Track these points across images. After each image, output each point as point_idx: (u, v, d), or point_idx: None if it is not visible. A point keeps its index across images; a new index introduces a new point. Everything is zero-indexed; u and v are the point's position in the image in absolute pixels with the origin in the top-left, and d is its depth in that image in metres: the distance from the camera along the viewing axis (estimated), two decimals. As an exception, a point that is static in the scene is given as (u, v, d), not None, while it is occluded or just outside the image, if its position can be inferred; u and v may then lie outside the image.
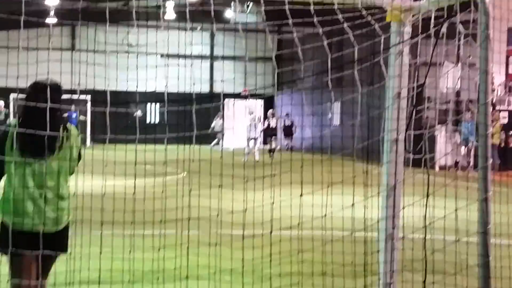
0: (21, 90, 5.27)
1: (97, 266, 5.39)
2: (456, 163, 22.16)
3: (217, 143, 28.26)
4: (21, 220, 4.56)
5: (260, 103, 36.07)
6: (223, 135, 27.70)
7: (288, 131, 31.80)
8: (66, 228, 4.76)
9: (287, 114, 31.82)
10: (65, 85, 4.99)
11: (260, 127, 27.59)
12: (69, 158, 4.75)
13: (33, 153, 4.58)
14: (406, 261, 5.97)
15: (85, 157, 5.03)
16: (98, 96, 5.23)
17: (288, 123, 31.78)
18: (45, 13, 27.88)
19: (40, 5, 25.10)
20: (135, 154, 5.63)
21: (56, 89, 4.76)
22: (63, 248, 4.76)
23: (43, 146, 4.56)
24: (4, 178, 4.70)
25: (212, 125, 28.96)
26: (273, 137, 29.50)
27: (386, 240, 5.43)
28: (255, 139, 26.75)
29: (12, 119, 4.79)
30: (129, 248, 6.02)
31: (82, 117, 28.69)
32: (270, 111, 30.78)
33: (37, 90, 4.70)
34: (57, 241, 4.67)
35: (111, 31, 5.14)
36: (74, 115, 24.71)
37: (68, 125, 4.85)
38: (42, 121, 4.52)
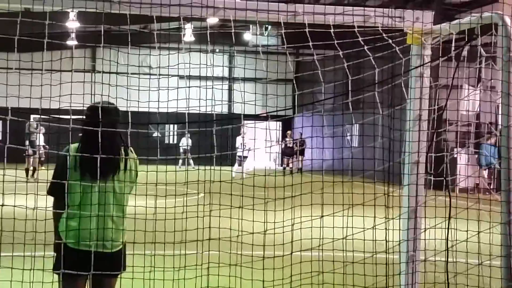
0: (43, 111, 5.34)
1: (118, 286, 5.40)
2: (477, 185, 21.99)
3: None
4: (82, 241, 4.61)
5: (278, 124, 36.18)
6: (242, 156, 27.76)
7: (300, 152, 31.96)
8: (123, 248, 4.82)
9: (289, 134, 32.07)
10: (86, 106, 5.06)
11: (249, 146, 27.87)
12: (129, 180, 4.82)
13: (94, 175, 4.64)
14: (428, 285, 5.92)
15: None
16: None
17: (290, 144, 31.98)
18: (66, 35, 28.22)
19: (62, 28, 25.41)
20: (156, 175, 5.66)
21: (115, 111, 4.83)
22: (120, 267, 4.82)
23: (104, 168, 4.62)
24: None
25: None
26: (291, 157, 29.85)
27: (407, 262, 5.40)
28: (244, 158, 26.97)
29: (75, 144, 4.86)
30: (149, 269, 6.03)
31: None
32: (288, 132, 31.12)
33: (96, 112, 4.75)
34: (116, 261, 4.73)
35: (131, 53, 5.21)
36: None
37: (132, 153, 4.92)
38: (102, 143, 4.59)
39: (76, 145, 4.80)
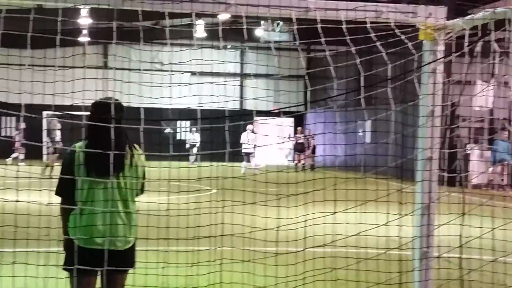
0: (56, 107, 5.37)
1: (131, 282, 5.42)
2: (490, 181, 21.89)
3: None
4: (91, 239, 4.63)
5: (290, 120, 36.17)
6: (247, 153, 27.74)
7: (302, 148, 31.88)
8: (133, 245, 4.83)
9: (300, 130, 32.02)
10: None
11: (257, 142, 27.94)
12: (136, 176, 4.81)
13: (100, 172, 4.64)
14: (441, 281, 5.90)
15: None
16: (129, 113, 5.30)
17: (301, 140, 31.89)
18: (78, 32, 28.32)
19: (74, 24, 25.49)
20: (168, 171, 5.67)
21: (119, 107, 4.83)
22: (131, 264, 4.83)
23: (110, 164, 4.62)
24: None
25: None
26: (302, 153, 29.93)
27: (420, 259, 5.38)
28: (249, 154, 27.03)
29: (81, 142, 4.86)
30: (163, 265, 6.05)
31: None
32: (298, 128, 31.16)
33: (100, 109, 4.75)
34: (125, 258, 4.74)
35: (143, 50, 5.21)
36: None
37: (135, 144, 4.91)
38: (107, 139, 4.58)
39: (81, 143, 4.80)
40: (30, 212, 5.22)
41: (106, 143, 4.58)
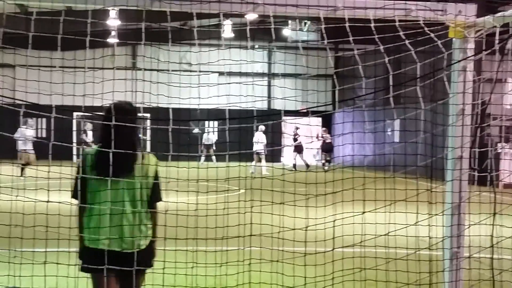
0: (86, 108, 5.42)
1: (160, 282, 5.45)
2: (520, 181, 21.59)
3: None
4: (100, 240, 4.70)
5: (318, 120, 36.07)
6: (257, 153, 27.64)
7: (329, 148, 31.59)
8: (148, 247, 4.85)
9: (324, 130, 31.73)
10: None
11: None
12: (145, 183, 4.83)
13: (108, 173, 4.69)
14: (472, 282, 5.84)
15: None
16: (157, 114, 5.34)
17: (328, 140, 31.56)
18: (107, 33, 28.57)
19: (103, 26, 25.73)
20: (198, 171, 5.69)
21: (132, 110, 4.88)
22: (145, 265, 4.84)
23: (119, 166, 4.68)
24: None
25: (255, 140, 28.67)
26: (329, 152, 29.85)
27: (451, 259, 5.33)
28: (259, 153, 27.14)
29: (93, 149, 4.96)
30: (192, 265, 6.07)
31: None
32: (324, 129, 31.07)
33: (114, 113, 4.79)
34: (139, 259, 4.76)
35: (171, 51, 5.24)
36: None
37: (148, 154, 4.94)
38: (116, 142, 4.64)
39: (94, 148, 4.88)
40: (61, 212, 5.28)
41: (115, 146, 4.65)
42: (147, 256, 4.86)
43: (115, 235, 4.71)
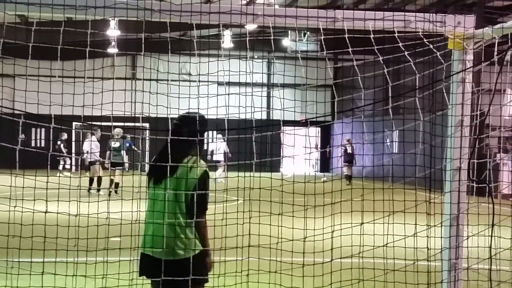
0: (85, 118, 5.42)
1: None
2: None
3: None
4: (146, 247, 4.95)
5: (316, 130, 36.02)
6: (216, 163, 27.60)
7: (351, 159, 30.70)
8: (196, 257, 4.95)
9: (348, 140, 30.92)
10: (127, 113, 5.20)
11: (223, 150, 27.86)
12: (185, 187, 4.90)
13: (155, 181, 4.98)
14: (470, 293, 5.83)
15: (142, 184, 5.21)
16: (155, 124, 5.41)
17: (350, 150, 30.72)
18: (107, 43, 28.63)
19: (103, 36, 25.79)
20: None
21: (203, 122, 5.10)
22: (196, 274, 4.86)
23: (158, 173, 4.91)
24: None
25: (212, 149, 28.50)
26: (349, 164, 29.16)
27: (449, 270, 5.33)
28: (218, 162, 27.32)
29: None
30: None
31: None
32: (347, 138, 30.34)
33: (185, 122, 5.06)
34: (181, 269, 4.80)
35: (171, 61, 5.26)
36: (128, 144, 24.48)
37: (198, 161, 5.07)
38: (167, 150, 4.87)
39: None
40: (59, 222, 5.29)
41: (165, 154, 4.87)
42: (190, 266, 4.85)
43: (151, 243, 4.90)
